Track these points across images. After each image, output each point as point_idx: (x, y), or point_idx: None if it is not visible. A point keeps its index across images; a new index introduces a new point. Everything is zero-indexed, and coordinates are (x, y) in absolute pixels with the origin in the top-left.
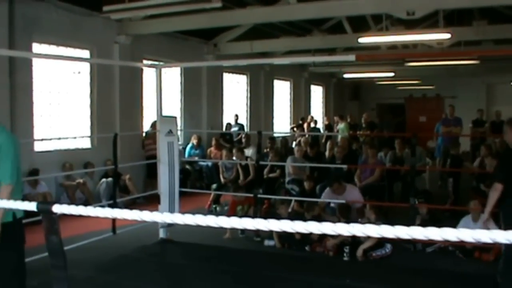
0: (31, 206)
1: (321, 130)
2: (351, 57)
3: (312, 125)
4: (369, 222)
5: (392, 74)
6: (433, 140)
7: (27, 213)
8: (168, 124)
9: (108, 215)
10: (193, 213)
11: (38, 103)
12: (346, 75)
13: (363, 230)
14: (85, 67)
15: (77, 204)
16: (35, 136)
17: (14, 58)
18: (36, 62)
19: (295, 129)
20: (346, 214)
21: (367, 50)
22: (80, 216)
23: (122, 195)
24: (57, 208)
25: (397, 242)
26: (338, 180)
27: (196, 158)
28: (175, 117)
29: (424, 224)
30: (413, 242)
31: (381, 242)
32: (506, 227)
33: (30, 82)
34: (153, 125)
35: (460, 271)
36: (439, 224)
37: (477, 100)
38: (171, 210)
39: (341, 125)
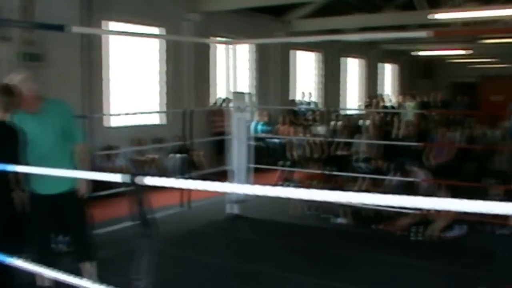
0: (116, 177)
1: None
2: (424, 34)
3: (383, 103)
4: None
5: (465, 52)
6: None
7: (105, 186)
8: (239, 100)
9: (189, 186)
10: None
11: (112, 80)
12: (417, 53)
13: (443, 205)
14: (157, 44)
15: None
16: (109, 112)
17: (89, 36)
18: (110, 39)
19: (365, 107)
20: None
21: (440, 27)
22: (152, 190)
23: (192, 170)
24: (141, 180)
25: (468, 224)
26: (401, 167)
27: (264, 135)
28: (246, 93)
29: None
30: (485, 224)
31: (452, 223)
32: None
33: (104, 59)
34: (224, 101)
35: None
36: None
37: None
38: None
39: (410, 104)
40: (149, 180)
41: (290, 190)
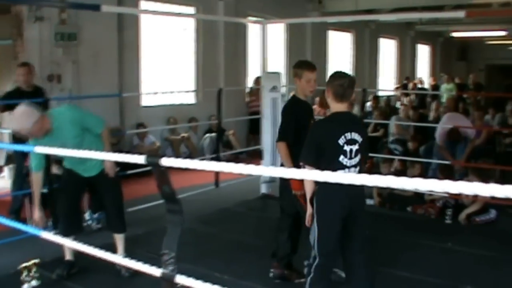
0: (140, 159)
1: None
2: (461, 14)
3: (419, 85)
4: None
5: (503, 33)
6: None
7: (136, 165)
8: (272, 80)
9: (211, 168)
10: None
11: (145, 59)
12: (453, 34)
13: (467, 189)
14: (191, 23)
15: (181, 158)
16: (142, 91)
17: (122, 15)
18: (143, 18)
19: (400, 88)
20: (448, 174)
21: (478, 8)
22: (185, 170)
23: (225, 150)
24: (165, 161)
25: (502, 208)
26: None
27: None
28: (279, 73)
29: None
30: None
31: (486, 207)
32: None
33: (138, 38)
34: (257, 81)
35: None
36: None
37: None
38: (274, 166)
39: (448, 86)
40: (171, 162)
41: (317, 172)
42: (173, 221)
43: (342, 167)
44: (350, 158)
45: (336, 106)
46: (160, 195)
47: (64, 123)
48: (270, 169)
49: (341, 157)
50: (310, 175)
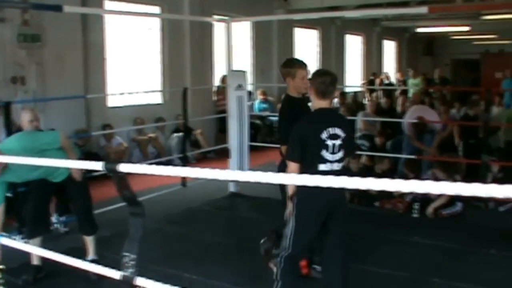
0: (98, 165)
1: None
2: (424, 9)
3: (386, 81)
4: (438, 180)
5: (467, 29)
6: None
7: None
8: (238, 78)
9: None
10: (263, 167)
11: (111, 60)
12: (419, 30)
13: (435, 188)
14: (156, 23)
15: (149, 158)
16: (108, 92)
17: (86, 15)
18: (108, 19)
19: (366, 84)
20: (414, 168)
21: (442, 3)
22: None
23: (193, 149)
24: (123, 167)
25: (468, 201)
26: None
27: (267, 113)
28: (245, 71)
29: (495, 182)
30: (485, 200)
31: (452, 200)
32: None
33: (102, 39)
34: (223, 79)
35: None
36: None
37: None
38: (241, 164)
39: (414, 80)
40: (129, 168)
41: (282, 175)
42: (135, 224)
43: (325, 161)
44: (333, 153)
45: (319, 103)
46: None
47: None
48: (236, 174)
49: (324, 152)
50: (286, 179)
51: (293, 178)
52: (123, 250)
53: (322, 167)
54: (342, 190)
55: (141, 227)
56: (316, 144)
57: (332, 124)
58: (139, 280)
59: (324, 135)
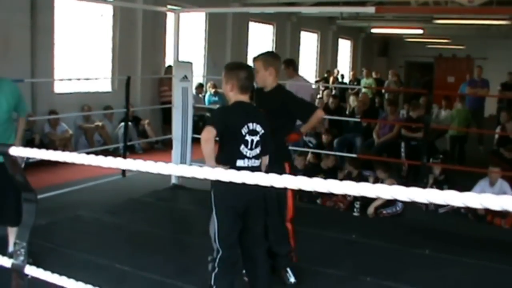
0: None
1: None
2: (371, 9)
3: (339, 79)
4: (381, 180)
5: (420, 31)
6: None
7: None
8: (184, 70)
9: (75, 160)
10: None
11: (59, 44)
12: (374, 30)
13: (372, 191)
14: (109, 10)
15: (95, 146)
16: (55, 78)
17: None
18: (58, 2)
19: (320, 82)
20: (357, 165)
21: (397, 5)
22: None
23: (140, 139)
24: (14, 151)
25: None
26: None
27: (217, 106)
28: (191, 63)
29: (436, 184)
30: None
31: (393, 199)
32: None
33: (52, 22)
34: (167, 70)
35: (471, 234)
36: (453, 185)
37: (509, 62)
38: (183, 156)
39: (367, 80)
40: (21, 152)
41: (222, 171)
42: (28, 211)
43: (242, 156)
44: (251, 148)
45: (239, 97)
46: (64, 184)
47: (3, 92)
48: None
49: (242, 147)
50: (211, 174)
51: (217, 173)
52: (16, 237)
53: (240, 162)
54: (260, 187)
55: (33, 214)
56: (235, 138)
57: (252, 120)
58: (29, 269)
59: (244, 130)
